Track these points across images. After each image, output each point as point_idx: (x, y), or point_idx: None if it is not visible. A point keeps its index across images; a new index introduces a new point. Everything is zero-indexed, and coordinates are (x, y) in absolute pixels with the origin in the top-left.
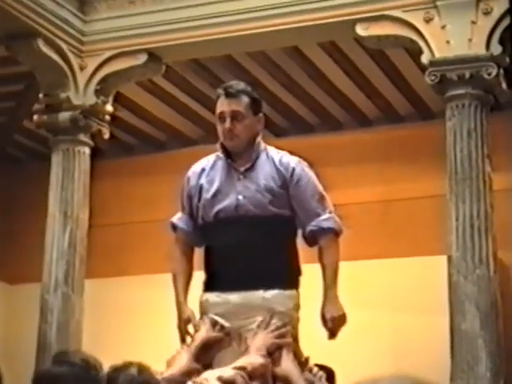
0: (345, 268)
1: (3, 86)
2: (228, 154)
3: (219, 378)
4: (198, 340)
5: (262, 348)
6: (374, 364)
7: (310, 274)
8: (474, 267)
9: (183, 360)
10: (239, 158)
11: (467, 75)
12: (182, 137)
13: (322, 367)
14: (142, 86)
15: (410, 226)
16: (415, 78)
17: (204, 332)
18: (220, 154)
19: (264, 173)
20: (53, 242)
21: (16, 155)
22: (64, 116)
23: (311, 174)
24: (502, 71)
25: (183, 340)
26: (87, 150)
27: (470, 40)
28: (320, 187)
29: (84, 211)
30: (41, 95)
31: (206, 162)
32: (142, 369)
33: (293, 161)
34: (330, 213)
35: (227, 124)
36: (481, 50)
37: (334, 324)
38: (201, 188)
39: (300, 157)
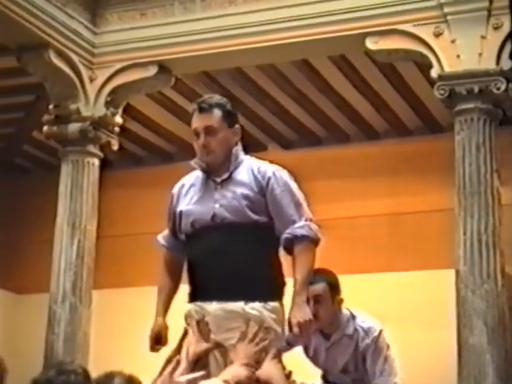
0: (353, 280)
1: (13, 96)
2: (206, 167)
3: None
4: (191, 355)
5: (245, 359)
6: None
7: None
8: (482, 282)
9: (180, 370)
10: (217, 170)
11: (476, 89)
12: (191, 149)
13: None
14: (152, 97)
15: (417, 240)
16: (424, 91)
17: (194, 345)
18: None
19: (242, 181)
20: (61, 253)
21: (25, 166)
22: (73, 127)
23: (289, 182)
24: (511, 86)
25: (152, 349)
26: (96, 162)
27: (480, 54)
28: (298, 195)
29: (92, 222)
30: (51, 106)
31: (188, 177)
32: (128, 380)
33: (270, 169)
34: (305, 220)
35: (201, 140)
36: (491, 65)
37: (299, 329)
38: (178, 202)
39: (307, 169)
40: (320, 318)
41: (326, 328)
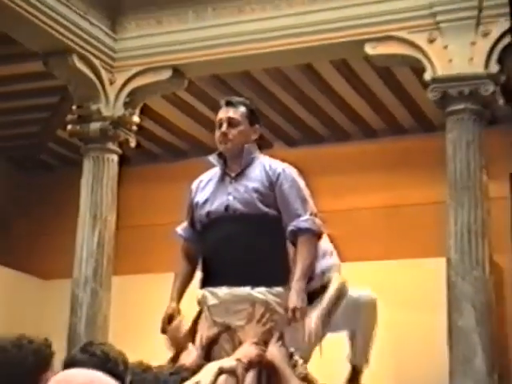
0: (352, 268)
1: (40, 98)
2: (222, 160)
3: (221, 369)
4: (205, 339)
5: (254, 338)
6: (377, 357)
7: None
8: (471, 269)
9: (192, 356)
10: (233, 164)
11: (467, 92)
12: (203, 146)
13: None
14: (167, 99)
15: (412, 230)
16: (418, 93)
17: (206, 330)
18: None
19: (254, 176)
20: (83, 242)
21: (50, 162)
22: (95, 126)
23: (297, 178)
24: (498, 88)
25: (163, 330)
26: (115, 158)
27: (471, 59)
28: (304, 192)
29: (112, 214)
30: (74, 107)
31: (207, 174)
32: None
33: (280, 166)
34: (310, 215)
35: (223, 128)
36: (480, 69)
37: (293, 314)
38: (196, 195)
39: (310, 165)
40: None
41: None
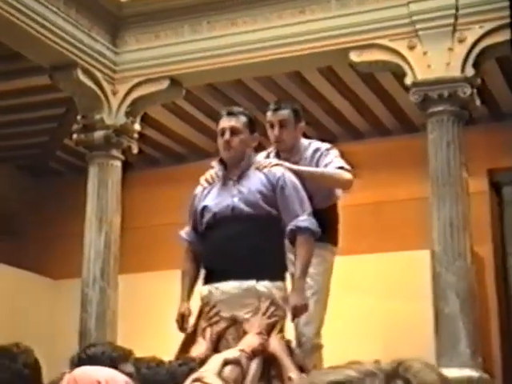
0: (343, 261)
1: (47, 109)
2: (225, 166)
3: (226, 360)
4: (214, 334)
5: (258, 329)
6: (367, 344)
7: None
8: (454, 260)
9: (202, 349)
10: (234, 169)
11: (446, 94)
12: (200, 151)
13: None
14: (166, 107)
15: (398, 225)
16: (400, 96)
17: (214, 325)
18: (218, 170)
19: (255, 179)
20: (90, 243)
21: (58, 169)
22: (99, 134)
23: (295, 180)
24: (475, 90)
25: (181, 329)
26: (119, 164)
27: (448, 64)
28: (302, 193)
29: (117, 216)
30: (79, 117)
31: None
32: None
33: (279, 170)
34: (308, 215)
35: (226, 136)
36: (457, 73)
37: (295, 311)
38: (200, 201)
39: None
40: (284, 140)
41: (285, 152)
